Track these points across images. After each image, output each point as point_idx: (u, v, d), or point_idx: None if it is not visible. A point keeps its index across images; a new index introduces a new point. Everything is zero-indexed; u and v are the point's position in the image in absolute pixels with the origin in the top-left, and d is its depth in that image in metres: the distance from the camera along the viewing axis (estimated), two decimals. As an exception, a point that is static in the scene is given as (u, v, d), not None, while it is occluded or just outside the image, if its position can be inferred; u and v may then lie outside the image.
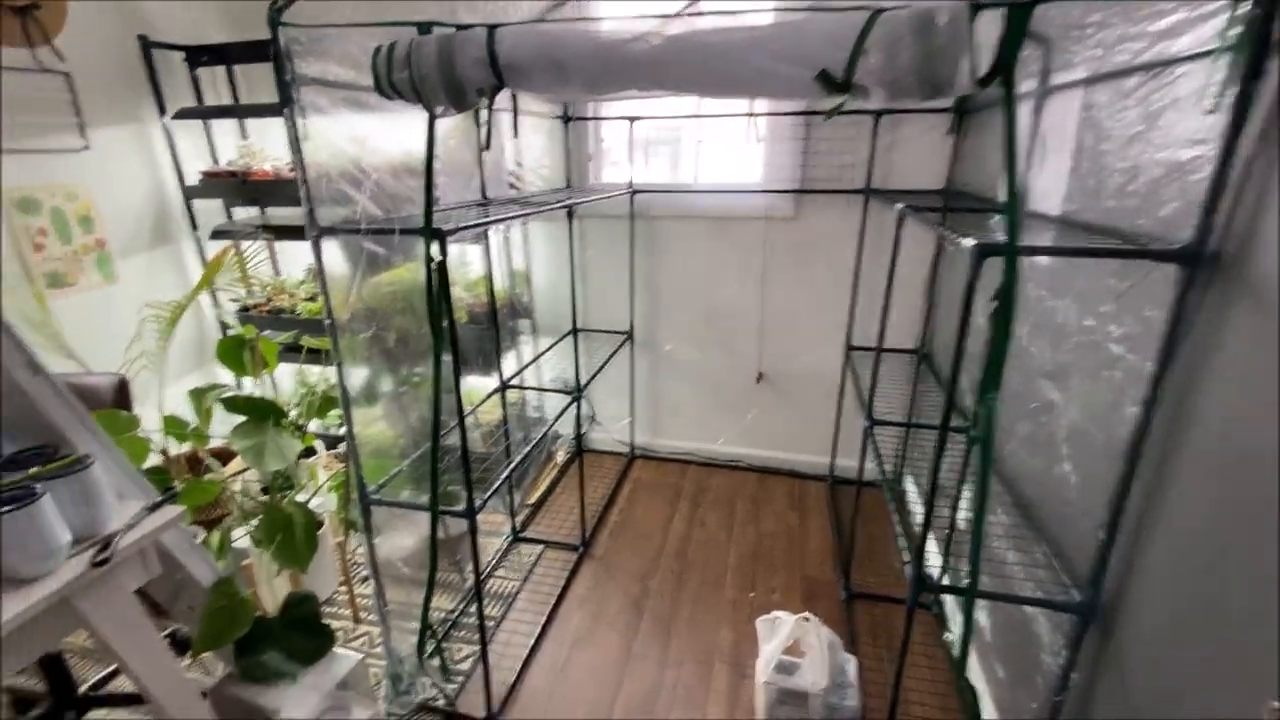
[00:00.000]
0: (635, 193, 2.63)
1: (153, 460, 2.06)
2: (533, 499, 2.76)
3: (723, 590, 2.18)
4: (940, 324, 2.36)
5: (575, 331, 2.46)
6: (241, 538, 1.90)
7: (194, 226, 2.55)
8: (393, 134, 1.53)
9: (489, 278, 2.29)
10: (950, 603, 1.95)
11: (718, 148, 2.64)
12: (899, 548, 1.56)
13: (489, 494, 1.53)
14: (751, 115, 2.36)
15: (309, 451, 2.44)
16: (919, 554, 1.15)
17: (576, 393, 2.21)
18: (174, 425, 1.84)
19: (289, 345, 2.37)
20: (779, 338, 2.75)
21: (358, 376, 1.61)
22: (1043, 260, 1.47)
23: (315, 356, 2.44)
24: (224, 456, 2.24)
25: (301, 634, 1.51)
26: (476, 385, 2.49)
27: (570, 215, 2.53)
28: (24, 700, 1.66)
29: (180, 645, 1.87)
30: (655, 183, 2.70)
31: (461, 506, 1.46)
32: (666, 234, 2.73)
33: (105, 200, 2.27)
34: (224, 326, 2.67)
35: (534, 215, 2.08)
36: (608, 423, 3.12)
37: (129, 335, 2.19)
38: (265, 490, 1.90)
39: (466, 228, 1.28)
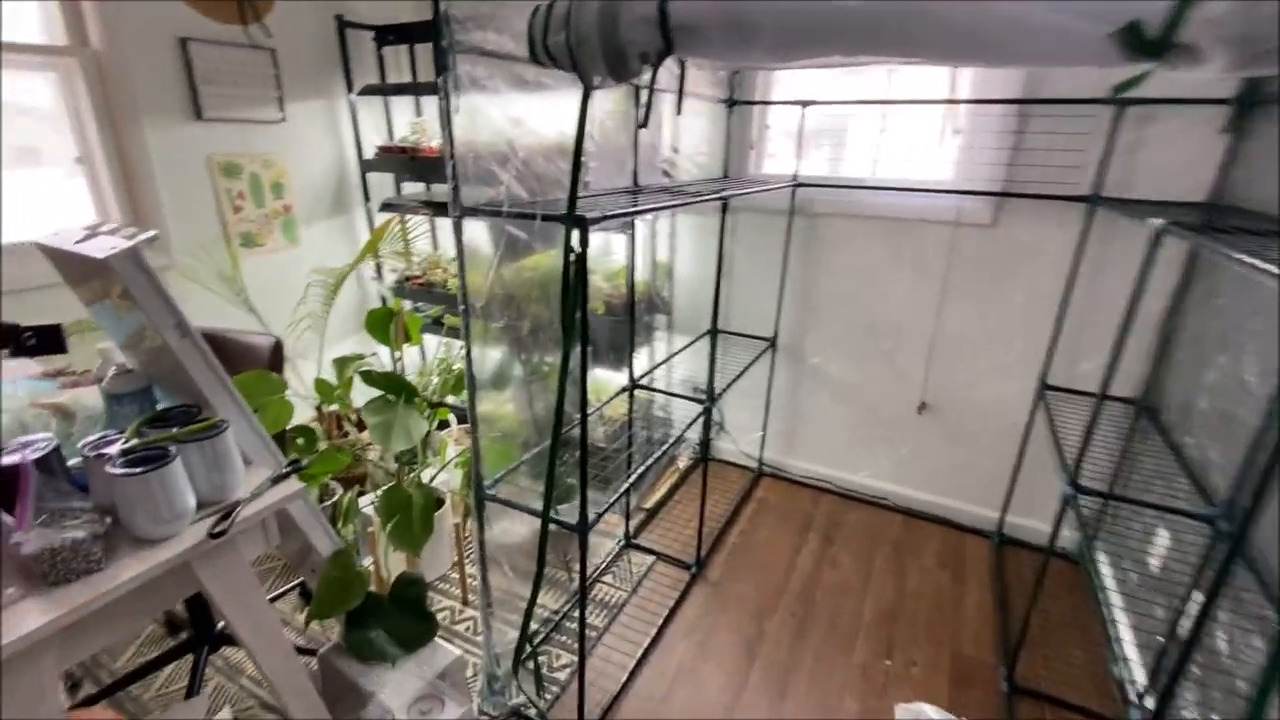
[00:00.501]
0: (798, 186, 2.37)
1: (309, 416, 2.20)
2: (649, 503, 2.63)
3: (851, 650, 1.90)
4: (1178, 373, 1.86)
5: (714, 332, 2.28)
6: (369, 505, 1.95)
7: (366, 198, 2.70)
8: (548, 113, 1.44)
9: (630, 269, 2.17)
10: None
11: (900, 139, 2.29)
12: (1113, 656, 1.20)
13: (604, 509, 1.40)
14: (952, 101, 2.00)
15: (444, 424, 2.50)
16: (1165, 697, 0.83)
17: (708, 401, 2.02)
18: (323, 387, 1.93)
19: (434, 319, 2.42)
20: (952, 364, 2.36)
21: (489, 360, 1.55)
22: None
23: (457, 333, 2.48)
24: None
25: (408, 617, 1.49)
26: (606, 379, 2.39)
27: (724, 208, 2.34)
28: (175, 624, 1.83)
29: (309, 597, 1.98)
30: (823, 176, 2.42)
31: (575, 511, 1.34)
32: (829, 234, 2.44)
33: (295, 169, 2.45)
34: (383, 297, 2.81)
35: (686, 206, 1.92)
36: (736, 433, 2.90)
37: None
38: (396, 459, 1.94)
39: (610, 217, 1.15)
